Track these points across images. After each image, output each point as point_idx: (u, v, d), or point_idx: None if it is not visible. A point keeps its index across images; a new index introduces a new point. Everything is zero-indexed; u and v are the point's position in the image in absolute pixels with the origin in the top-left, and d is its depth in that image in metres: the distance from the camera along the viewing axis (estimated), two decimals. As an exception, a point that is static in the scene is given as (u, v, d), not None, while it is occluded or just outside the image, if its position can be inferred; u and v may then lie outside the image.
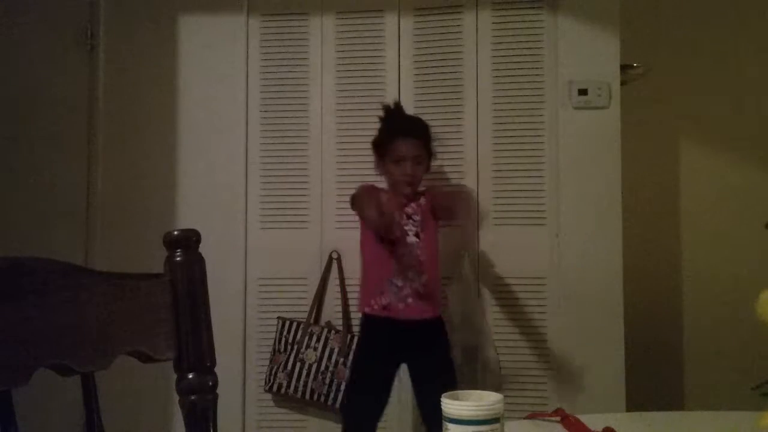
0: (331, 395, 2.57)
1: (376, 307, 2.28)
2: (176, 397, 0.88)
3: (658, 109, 3.09)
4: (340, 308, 2.67)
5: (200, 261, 0.90)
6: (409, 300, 2.26)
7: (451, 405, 0.87)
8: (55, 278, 0.77)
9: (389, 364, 2.32)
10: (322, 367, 2.58)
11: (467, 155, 2.66)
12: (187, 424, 0.88)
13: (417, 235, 2.31)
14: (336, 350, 2.59)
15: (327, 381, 2.57)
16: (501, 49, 2.67)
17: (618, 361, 2.53)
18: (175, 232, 0.90)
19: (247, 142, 2.76)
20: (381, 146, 2.38)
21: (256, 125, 2.76)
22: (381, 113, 2.43)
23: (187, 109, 2.79)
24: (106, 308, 0.81)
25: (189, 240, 0.90)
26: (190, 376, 0.88)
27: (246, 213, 2.74)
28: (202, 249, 0.91)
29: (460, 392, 0.90)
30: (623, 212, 2.57)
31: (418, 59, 2.71)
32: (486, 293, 2.63)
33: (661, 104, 3.10)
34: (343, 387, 2.56)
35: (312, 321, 2.65)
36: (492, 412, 0.86)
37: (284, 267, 2.72)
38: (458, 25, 2.69)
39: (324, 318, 2.68)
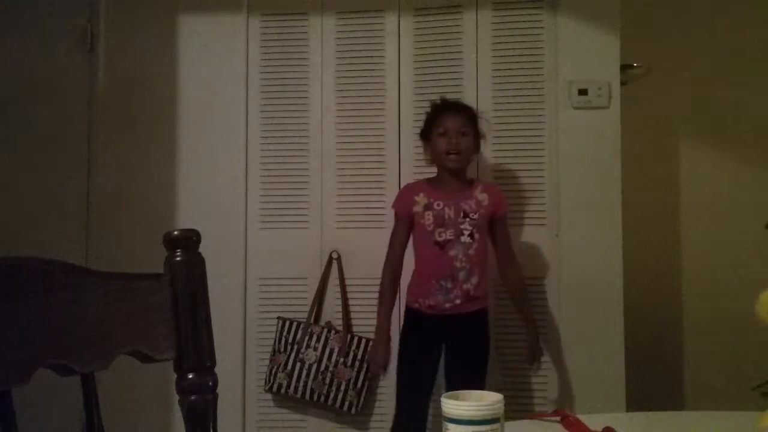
0: (331, 395, 2.57)
1: (424, 305, 2.33)
2: (176, 397, 0.88)
3: (658, 109, 3.09)
4: (340, 308, 2.67)
5: (200, 261, 0.90)
6: (457, 301, 2.29)
7: (451, 405, 0.87)
8: (55, 278, 0.77)
9: (432, 350, 2.34)
10: (322, 367, 2.58)
11: (467, 155, 2.65)
12: (187, 424, 0.88)
13: (471, 235, 2.29)
14: (336, 350, 2.59)
15: (327, 381, 2.57)
16: (501, 49, 2.67)
17: (618, 361, 2.53)
18: (175, 232, 0.89)
19: (247, 142, 2.76)
20: (427, 127, 2.40)
21: (256, 125, 2.76)
22: (428, 110, 2.46)
23: (187, 109, 2.79)
24: (106, 308, 0.81)
25: (189, 240, 0.90)
26: (190, 376, 0.88)
27: (246, 213, 2.74)
28: (202, 249, 0.91)
29: (460, 392, 0.90)
30: (623, 212, 2.57)
31: (418, 59, 2.71)
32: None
33: (661, 104, 3.10)
34: (343, 387, 2.56)
35: (312, 321, 2.65)
36: (492, 412, 0.86)
37: (284, 267, 2.72)
38: (458, 25, 2.70)
39: (324, 318, 2.68)
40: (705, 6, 3.12)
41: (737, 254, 2.98)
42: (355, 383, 2.57)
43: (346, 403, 2.56)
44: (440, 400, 0.89)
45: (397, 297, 2.55)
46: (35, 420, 2.49)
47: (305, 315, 2.66)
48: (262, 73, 2.77)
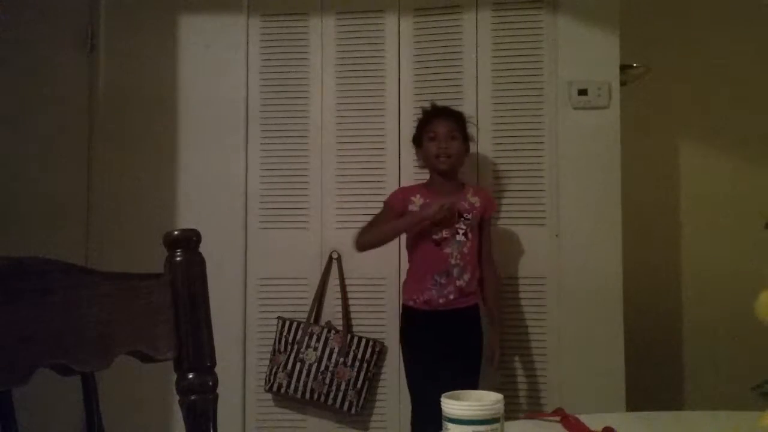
0: (331, 395, 2.57)
1: (418, 301, 2.40)
2: (176, 397, 0.88)
3: (658, 109, 3.10)
4: (340, 308, 2.67)
5: (200, 261, 0.90)
6: (451, 297, 2.38)
7: (451, 405, 0.87)
8: (56, 278, 0.77)
9: (432, 347, 2.39)
10: (322, 367, 2.58)
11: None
12: (187, 424, 0.88)
13: (465, 234, 2.39)
14: (336, 350, 2.59)
15: (327, 381, 2.57)
16: (501, 49, 2.67)
17: (618, 361, 2.53)
18: (175, 232, 0.89)
19: (247, 142, 2.76)
20: (418, 132, 2.50)
21: (256, 125, 2.76)
22: (420, 116, 2.54)
23: (187, 109, 2.79)
24: (106, 308, 0.81)
25: (189, 240, 0.90)
26: (190, 376, 0.88)
27: (246, 213, 2.74)
28: (202, 249, 0.91)
29: (460, 392, 0.90)
30: (623, 212, 2.57)
31: (418, 59, 2.71)
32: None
33: (661, 104, 3.10)
34: (343, 387, 2.56)
35: (312, 321, 2.65)
36: (492, 412, 0.86)
37: (284, 267, 2.72)
38: (458, 25, 2.70)
39: (324, 318, 2.68)
40: (705, 6, 3.12)
41: (737, 254, 2.98)
42: (355, 383, 2.57)
43: (346, 403, 2.56)
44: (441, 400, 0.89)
45: (398, 297, 2.57)
46: (35, 420, 2.49)
47: (305, 315, 2.66)
48: (262, 73, 2.77)
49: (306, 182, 2.74)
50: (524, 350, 2.60)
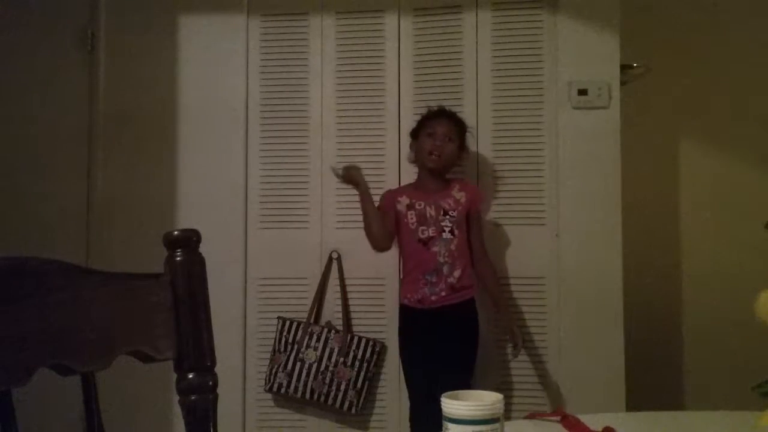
0: (331, 395, 2.57)
1: (412, 300, 2.45)
2: (176, 397, 0.88)
3: (658, 109, 3.09)
4: (340, 308, 2.67)
5: (200, 261, 0.90)
6: (443, 294, 2.41)
7: (450, 405, 0.87)
8: (56, 278, 0.77)
9: (425, 345, 2.42)
10: (322, 367, 2.58)
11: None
12: (187, 424, 0.88)
13: (452, 231, 2.43)
14: (336, 350, 2.59)
15: (327, 381, 2.57)
16: (501, 49, 2.67)
17: (618, 361, 2.53)
18: (175, 232, 0.89)
19: (247, 142, 2.76)
20: (418, 127, 2.54)
21: (256, 125, 2.76)
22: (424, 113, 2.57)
23: (187, 109, 2.79)
24: (106, 308, 0.81)
25: (189, 240, 0.90)
26: (191, 376, 0.88)
27: (246, 213, 2.75)
28: (202, 249, 0.91)
29: (460, 392, 0.90)
30: (623, 212, 2.57)
31: (418, 59, 2.71)
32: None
33: (661, 104, 3.10)
34: (343, 387, 2.56)
35: (312, 321, 2.65)
36: (492, 412, 0.86)
37: (284, 267, 2.72)
38: (458, 25, 2.69)
39: (324, 318, 2.68)
40: (705, 6, 3.11)
41: (737, 254, 2.98)
42: (355, 383, 2.57)
43: (346, 403, 2.56)
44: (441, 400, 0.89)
45: (398, 296, 2.57)
46: (35, 420, 2.49)
47: (305, 315, 2.66)
48: (262, 73, 2.77)
49: (306, 182, 2.74)
50: (524, 350, 2.60)
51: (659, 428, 1.27)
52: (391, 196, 2.52)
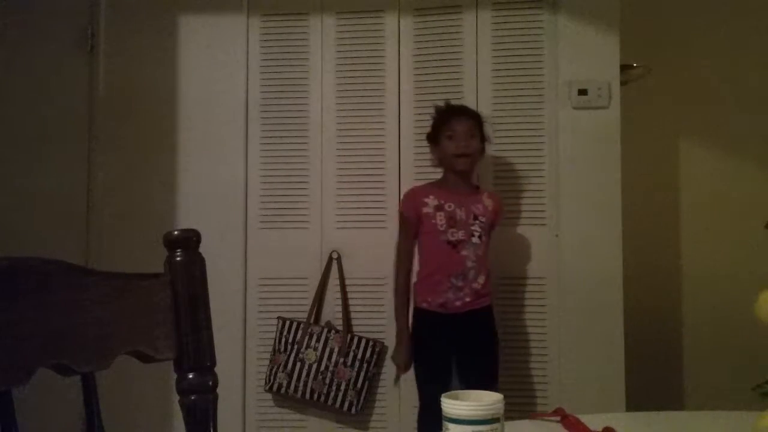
0: (331, 395, 2.57)
1: (433, 304, 2.37)
2: (176, 397, 0.88)
3: (658, 109, 3.09)
4: (340, 308, 2.67)
5: (200, 261, 0.90)
6: (467, 299, 2.35)
7: (450, 405, 0.87)
8: (56, 278, 0.77)
9: (445, 349, 2.38)
10: (322, 367, 2.58)
11: (467, 155, 2.65)
12: (187, 424, 0.88)
13: (480, 237, 2.38)
14: (336, 350, 2.59)
15: (327, 381, 2.57)
16: (501, 49, 2.67)
17: (618, 361, 2.53)
18: (175, 232, 0.89)
19: (247, 142, 2.76)
20: (434, 130, 2.47)
21: (256, 125, 2.76)
22: (434, 114, 2.51)
23: (187, 109, 2.79)
24: (106, 308, 0.81)
25: (189, 240, 0.90)
26: (191, 376, 0.88)
27: (246, 213, 2.75)
28: (202, 249, 0.91)
29: (459, 392, 0.90)
30: (623, 212, 2.57)
31: (418, 59, 2.71)
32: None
33: (661, 104, 3.10)
34: (343, 387, 2.56)
35: (312, 321, 2.65)
36: (492, 412, 0.86)
37: (284, 267, 2.72)
38: (458, 25, 2.69)
39: (324, 318, 2.68)
40: (705, 6, 3.12)
41: (737, 254, 2.98)
42: (355, 383, 2.57)
43: (346, 403, 2.56)
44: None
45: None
46: (35, 420, 2.49)
47: (305, 315, 2.66)
48: (262, 73, 2.77)
49: (306, 182, 2.74)
50: (524, 350, 2.60)
51: (659, 428, 1.27)
52: (415, 202, 2.42)
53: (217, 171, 2.76)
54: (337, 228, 2.71)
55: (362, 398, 2.59)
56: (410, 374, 2.48)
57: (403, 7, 2.72)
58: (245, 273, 2.73)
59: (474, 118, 2.45)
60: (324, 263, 2.70)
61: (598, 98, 2.59)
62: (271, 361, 2.64)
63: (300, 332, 2.62)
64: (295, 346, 2.61)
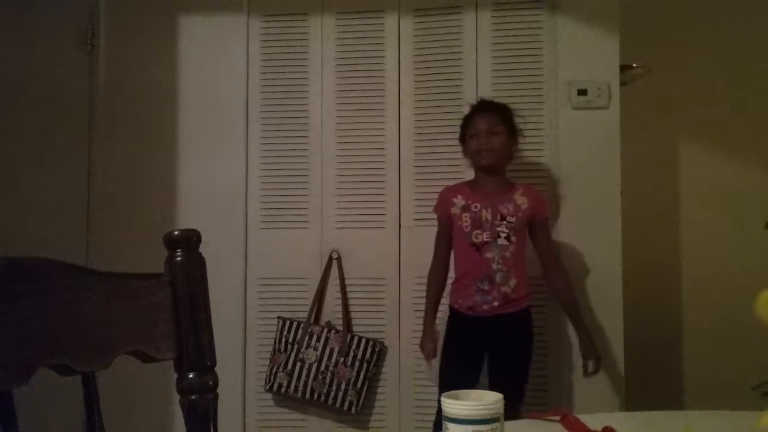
0: (331, 395, 2.57)
1: (463, 306, 2.34)
2: (176, 397, 0.88)
3: (657, 109, 3.10)
4: (340, 308, 2.67)
5: (200, 261, 0.90)
6: (495, 303, 2.30)
7: (450, 404, 0.87)
8: (56, 278, 0.77)
9: (474, 350, 2.33)
10: (323, 367, 2.58)
11: (467, 155, 2.66)
12: (188, 424, 0.88)
13: (508, 237, 2.31)
14: (336, 350, 2.59)
15: (327, 381, 2.57)
16: (501, 49, 2.67)
17: (618, 361, 2.53)
18: (176, 232, 0.89)
19: (247, 142, 2.76)
20: (462, 130, 2.44)
21: (256, 125, 2.77)
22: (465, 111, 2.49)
23: (187, 109, 2.79)
24: (106, 308, 0.81)
25: (189, 240, 0.90)
26: (191, 376, 0.88)
27: (246, 213, 2.75)
28: (202, 249, 0.91)
29: (459, 392, 0.90)
30: (623, 212, 2.57)
31: (418, 59, 2.71)
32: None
33: (661, 104, 3.10)
34: (343, 386, 2.56)
35: (312, 321, 2.65)
36: (491, 411, 0.86)
37: (284, 267, 2.72)
38: (458, 25, 2.70)
39: (324, 318, 2.68)
40: (705, 6, 3.12)
41: (737, 254, 2.98)
42: (355, 383, 2.57)
43: (347, 403, 2.57)
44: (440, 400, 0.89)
45: (398, 296, 2.56)
46: (35, 420, 2.49)
47: (305, 315, 2.66)
48: (262, 73, 2.77)
49: (306, 182, 2.74)
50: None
51: (659, 428, 1.27)
52: (444, 202, 2.40)
53: (217, 171, 2.76)
54: (337, 228, 2.71)
55: (362, 398, 2.59)
56: (410, 375, 2.48)
57: (403, 7, 2.72)
58: (245, 273, 2.73)
59: (498, 112, 2.39)
60: (324, 263, 2.70)
61: (597, 98, 2.59)
62: (271, 361, 2.64)
63: (300, 332, 2.62)
64: (295, 346, 2.61)
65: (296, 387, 2.59)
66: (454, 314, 2.39)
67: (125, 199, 2.78)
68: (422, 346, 2.43)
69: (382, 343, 2.63)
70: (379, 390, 2.66)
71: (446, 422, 0.87)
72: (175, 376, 0.89)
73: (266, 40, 2.77)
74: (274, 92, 2.77)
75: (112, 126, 2.80)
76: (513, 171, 2.65)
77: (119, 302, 0.82)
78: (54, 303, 0.76)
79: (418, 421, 2.61)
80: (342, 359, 2.58)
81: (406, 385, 2.62)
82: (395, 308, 2.64)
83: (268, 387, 2.63)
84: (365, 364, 2.58)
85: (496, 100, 2.64)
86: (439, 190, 2.48)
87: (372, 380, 2.63)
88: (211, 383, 0.89)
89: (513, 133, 2.41)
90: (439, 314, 2.48)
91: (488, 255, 2.30)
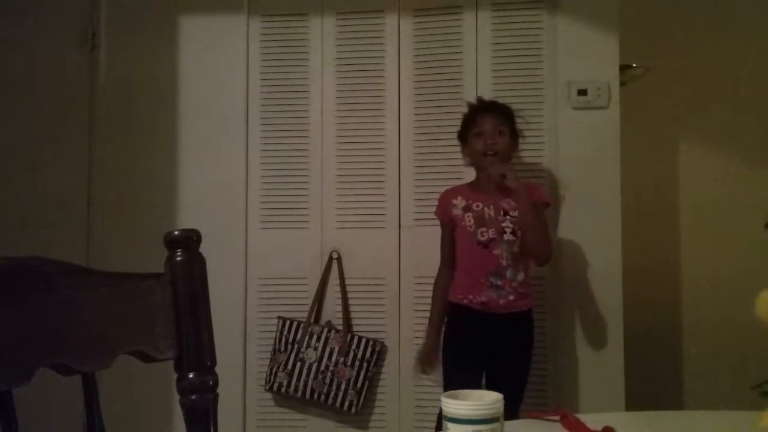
0: (332, 395, 2.57)
1: (474, 301, 2.29)
2: (176, 397, 0.88)
3: (657, 109, 3.10)
4: (340, 308, 2.67)
5: (201, 261, 0.90)
6: (510, 297, 2.28)
7: (450, 404, 0.87)
8: (56, 278, 0.77)
9: (479, 348, 2.29)
10: (323, 367, 2.58)
11: (467, 155, 2.66)
12: (188, 424, 0.88)
13: (514, 232, 2.28)
14: (336, 350, 2.59)
15: (327, 380, 2.57)
16: (501, 49, 2.67)
17: (618, 361, 2.53)
18: (176, 232, 0.90)
19: (247, 142, 2.76)
20: (463, 129, 2.41)
21: (256, 125, 2.77)
22: (465, 110, 2.45)
23: (188, 109, 2.79)
24: (106, 308, 0.81)
25: (189, 240, 0.90)
26: (191, 376, 0.88)
27: (246, 213, 2.75)
28: (203, 249, 0.91)
29: (459, 392, 0.90)
30: (623, 212, 2.57)
31: (418, 59, 2.71)
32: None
33: (661, 104, 3.10)
34: (343, 386, 2.56)
35: (312, 321, 2.65)
36: (491, 411, 0.86)
37: (284, 267, 2.72)
38: (458, 25, 2.70)
39: (324, 318, 2.68)
40: (705, 6, 3.12)
41: (737, 254, 2.98)
42: (356, 383, 2.57)
43: (347, 403, 2.57)
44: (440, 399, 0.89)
45: (398, 296, 2.56)
46: (35, 420, 2.49)
47: (305, 315, 2.66)
48: (262, 73, 2.77)
49: (306, 182, 2.74)
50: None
51: (659, 428, 1.27)
52: (445, 205, 2.38)
53: (217, 171, 2.76)
54: (337, 228, 2.71)
55: (362, 398, 2.59)
56: (410, 375, 2.47)
57: (403, 7, 2.72)
58: (245, 273, 2.73)
59: (503, 113, 2.37)
60: (324, 263, 2.70)
61: (597, 98, 2.60)
62: (271, 361, 2.64)
63: (300, 332, 2.62)
64: (296, 346, 2.61)
65: (296, 387, 2.59)
66: (460, 311, 2.32)
67: (125, 199, 2.78)
68: (424, 357, 2.39)
69: (382, 342, 2.64)
70: (379, 390, 2.66)
71: (446, 422, 0.87)
72: (175, 376, 0.89)
73: (266, 40, 2.78)
74: (274, 92, 2.77)
75: (112, 126, 2.80)
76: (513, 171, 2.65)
77: (119, 302, 0.82)
78: (54, 303, 0.76)
79: (418, 421, 2.61)
80: (342, 359, 2.58)
81: (406, 385, 2.62)
82: (395, 308, 2.64)
83: (268, 387, 2.63)
84: (365, 364, 2.58)
85: (492, 98, 2.65)
86: (440, 190, 2.47)
87: (372, 380, 2.63)
88: (211, 383, 0.89)
89: (515, 135, 2.40)
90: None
91: (496, 252, 2.27)
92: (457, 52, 2.69)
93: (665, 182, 3.14)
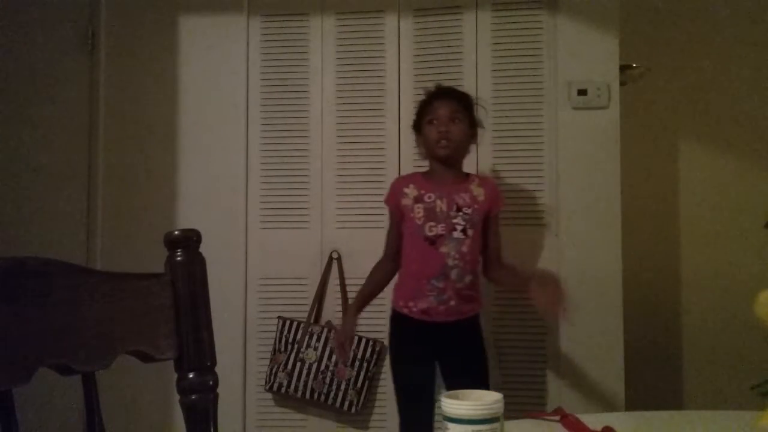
0: (331, 395, 2.57)
1: (414, 309, 2.18)
2: (176, 397, 0.88)
3: (657, 109, 3.10)
4: (340, 308, 2.67)
5: (201, 261, 0.90)
6: (452, 303, 2.15)
7: (450, 404, 0.87)
8: (56, 278, 0.77)
9: (427, 357, 2.19)
10: (323, 367, 2.58)
11: (467, 155, 2.65)
12: (188, 424, 0.88)
13: (464, 231, 2.15)
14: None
15: (327, 380, 2.57)
16: (500, 50, 2.67)
17: (618, 361, 2.53)
18: (176, 232, 0.90)
19: (247, 142, 2.76)
20: (418, 117, 2.28)
21: (256, 125, 2.77)
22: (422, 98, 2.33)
23: (188, 109, 2.79)
24: (106, 308, 0.81)
25: (189, 240, 0.90)
26: (191, 376, 0.88)
27: (246, 213, 2.75)
28: (203, 249, 0.91)
29: (459, 392, 0.90)
30: (623, 212, 2.57)
31: (418, 59, 2.72)
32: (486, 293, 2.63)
33: (661, 104, 3.10)
34: (343, 386, 2.56)
35: (312, 321, 2.65)
36: (491, 411, 0.86)
37: (284, 267, 2.72)
38: (458, 26, 2.70)
39: (324, 318, 2.69)
40: (705, 6, 3.12)
41: (737, 254, 2.98)
42: (356, 383, 2.57)
43: (347, 403, 2.57)
44: (440, 400, 0.89)
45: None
46: (35, 420, 2.49)
47: (305, 315, 2.66)
48: (262, 73, 2.77)
49: (306, 182, 2.74)
50: (524, 350, 2.60)
51: (659, 428, 1.27)
52: (398, 187, 2.24)
53: (218, 171, 2.76)
54: (337, 228, 2.71)
55: (362, 398, 2.59)
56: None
57: (403, 7, 2.73)
58: (245, 273, 2.73)
59: (460, 99, 2.22)
60: (324, 263, 2.70)
61: (597, 98, 2.60)
62: (271, 361, 2.64)
63: (300, 332, 2.62)
64: (295, 346, 2.61)
65: (296, 387, 2.59)
66: (401, 321, 2.22)
67: (125, 199, 2.78)
68: (338, 341, 2.25)
69: (382, 343, 2.63)
70: (379, 390, 2.66)
71: (446, 422, 0.87)
72: (175, 376, 0.89)
73: (266, 40, 2.78)
74: (274, 92, 2.77)
75: (112, 126, 2.80)
76: (513, 171, 2.65)
77: (119, 302, 0.82)
78: (54, 303, 0.76)
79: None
80: (342, 359, 2.58)
81: (406, 385, 2.62)
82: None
83: (268, 387, 2.63)
84: (365, 364, 2.58)
85: (496, 100, 2.65)
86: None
87: (372, 380, 2.63)
88: (211, 383, 0.89)
89: (473, 124, 2.25)
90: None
91: (443, 250, 2.13)
92: (457, 53, 2.69)
93: (665, 182, 3.14)
